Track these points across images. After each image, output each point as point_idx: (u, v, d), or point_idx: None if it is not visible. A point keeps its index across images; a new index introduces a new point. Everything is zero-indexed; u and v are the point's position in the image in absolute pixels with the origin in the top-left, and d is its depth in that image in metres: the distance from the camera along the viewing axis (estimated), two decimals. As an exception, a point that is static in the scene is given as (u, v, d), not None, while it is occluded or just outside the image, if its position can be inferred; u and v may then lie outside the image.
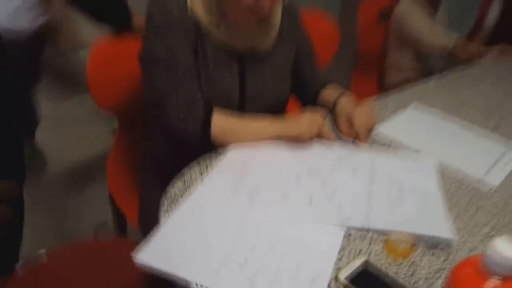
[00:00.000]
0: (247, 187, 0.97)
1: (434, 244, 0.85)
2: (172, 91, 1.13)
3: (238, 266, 0.77)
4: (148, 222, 1.25)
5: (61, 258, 1.24)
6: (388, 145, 1.23)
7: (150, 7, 1.17)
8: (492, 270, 0.54)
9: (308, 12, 1.47)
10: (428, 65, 2.36)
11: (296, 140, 1.14)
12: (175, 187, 0.97)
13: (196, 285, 0.73)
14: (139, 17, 1.58)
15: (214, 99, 1.21)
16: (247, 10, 1.11)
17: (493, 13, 2.64)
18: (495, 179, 1.13)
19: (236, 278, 0.74)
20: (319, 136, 1.15)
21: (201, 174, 1.01)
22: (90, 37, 1.82)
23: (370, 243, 0.86)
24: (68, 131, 2.63)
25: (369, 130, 1.22)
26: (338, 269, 0.78)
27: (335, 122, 1.26)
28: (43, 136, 2.36)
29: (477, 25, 2.68)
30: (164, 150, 1.31)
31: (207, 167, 1.03)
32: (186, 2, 1.16)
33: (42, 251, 1.24)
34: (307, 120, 1.17)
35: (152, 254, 0.79)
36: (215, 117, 1.16)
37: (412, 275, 0.79)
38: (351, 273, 0.78)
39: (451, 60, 2.23)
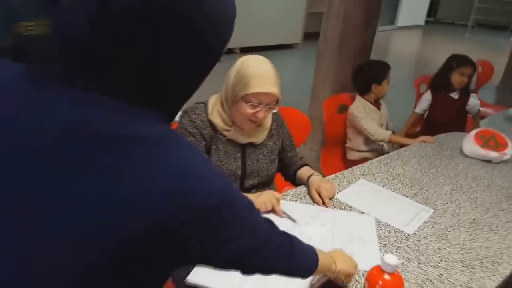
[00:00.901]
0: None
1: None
2: None
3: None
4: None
5: None
6: (343, 208, 1.72)
7: (181, 116, 1.67)
8: (385, 269, 1.04)
9: (287, 110, 1.98)
10: (377, 147, 2.79)
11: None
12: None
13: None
14: None
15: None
16: (248, 120, 1.62)
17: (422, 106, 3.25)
18: (411, 229, 1.62)
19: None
20: (273, 208, 1.59)
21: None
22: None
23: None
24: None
25: (331, 198, 1.73)
26: (311, 285, 1.28)
27: (308, 192, 1.78)
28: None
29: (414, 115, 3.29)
30: None
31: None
32: (207, 115, 1.66)
33: None
34: (264, 197, 1.59)
35: (197, 276, 1.27)
36: None
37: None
38: (317, 285, 1.28)
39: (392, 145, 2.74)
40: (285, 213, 1.60)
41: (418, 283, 1.34)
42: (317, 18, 8.13)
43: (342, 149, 2.93)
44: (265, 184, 1.81)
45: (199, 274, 1.28)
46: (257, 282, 1.25)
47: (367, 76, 2.73)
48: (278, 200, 1.61)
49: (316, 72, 3.52)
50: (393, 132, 2.68)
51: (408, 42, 10.77)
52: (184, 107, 1.68)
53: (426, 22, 12.63)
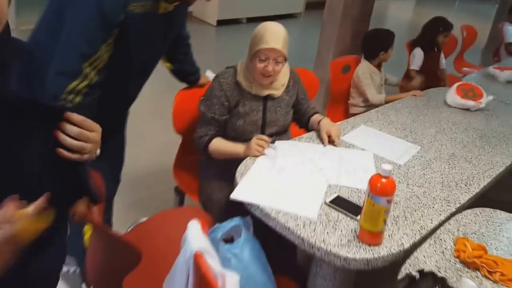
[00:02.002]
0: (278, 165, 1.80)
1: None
2: (200, 127, 1.95)
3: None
4: (206, 197, 2.01)
5: (157, 221, 1.84)
6: (348, 146, 2.05)
7: (214, 78, 1.97)
8: (382, 174, 1.35)
9: (299, 70, 2.26)
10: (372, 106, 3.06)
11: (249, 155, 1.82)
12: (238, 169, 1.75)
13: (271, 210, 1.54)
14: (202, 77, 2.27)
15: (249, 124, 1.96)
16: (260, 74, 1.87)
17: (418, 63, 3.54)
18: (402, 161, 1.95)
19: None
20: (259, 151, 1.81)
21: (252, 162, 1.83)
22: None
23: (339, 189, 1.70)
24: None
25: (339, 137, 2.04)
26: (325, 198, 1.62)
27: (319, 133, 2.08)
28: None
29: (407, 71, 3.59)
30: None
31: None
32: (236, 76, 1.94)
33: (144, 219, 1.88)
34: (251, 145, 1.81)
35: (240, 193, 1.60)
36: (213, 141, 1.90)
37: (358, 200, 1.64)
38: (330, 200, 1.61)
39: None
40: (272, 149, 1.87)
41: (407, 198, 1.68)
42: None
43: (345, 105, 3.22)
44: (282, 132, 2.10)
45: (243, 191, 1.61)
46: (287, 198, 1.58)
47: (377, 43, 3.02)
48: (265, 140, 1.85)
49: (320, 37, 3.81)
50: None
51: (402, 10, 10.94)
52: (218, 71, 1.94)
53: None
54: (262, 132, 2.02)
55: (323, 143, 2.01)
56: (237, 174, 1.72)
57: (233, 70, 1.97)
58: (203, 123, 1.96)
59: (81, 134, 0.90)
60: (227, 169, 1.83)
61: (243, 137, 1.95)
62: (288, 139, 2.09)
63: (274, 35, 1.83)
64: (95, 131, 0.94)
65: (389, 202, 1.32)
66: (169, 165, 2.28)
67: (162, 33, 1.72)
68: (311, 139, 2.08)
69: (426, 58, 3.53)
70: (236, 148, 1.89)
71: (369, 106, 2.99)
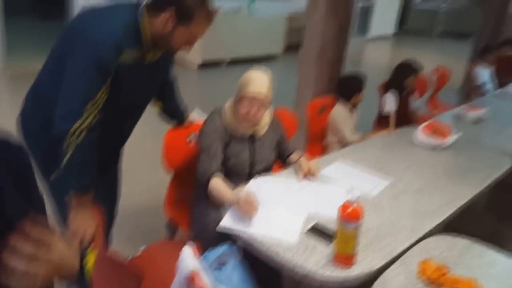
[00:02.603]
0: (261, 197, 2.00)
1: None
2: (202, 164, 2.06)
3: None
4: (199, 227, 2.17)
5: (154, 250, 2.02)
6: (324, 180, 2.24)
7: (205, 121, 2.16)
8: (351, 202, 1.57)
9: (280, 110, 2.50)
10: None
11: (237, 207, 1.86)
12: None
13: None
14: (190, 115, 2.42)
15: (239, 164, 2.15)
16: (245, 117, 2.08)
17: (390, 106, 3.83)
18: (374, 192, 2.17)
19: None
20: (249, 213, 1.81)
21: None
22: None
23: (317, 219, 1.91)
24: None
25: (316, 172, 2.25)
26: (303, 227, 1.82)
27: (297, 169, 2.27)
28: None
29: (379, 113, 3.87)
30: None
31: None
32: (223, 119, 2.13)
33: (143, 247, 2.04)
34: (242, 203, 1.82)
35: (228, 223, 1.80)
36: (215, 179, 2.00)
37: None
38: (309, 228, 1.81)
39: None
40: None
41: (378, 225, 1.89)
42: (295, 32, 8.78)
43: (322, 143, 3.45)
44: (268, 169, 2.31)
45: (229, 220, 1.81)
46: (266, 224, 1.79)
47: (349, 88, 3.31)
48: (252, 204, 1.85)
49: (298, 80, 4.10)
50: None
51: (379, 51, 11.47)
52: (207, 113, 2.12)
53: (396, 32, 13.34)
54: (251, 171, 2.22)
55: (301, 177, 2.23)
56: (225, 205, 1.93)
57: (219, 114, 2.17)
58: (206, 157, 2.07)
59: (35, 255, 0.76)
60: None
61: (235, 176, 2.15)
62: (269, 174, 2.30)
63: (260, 81, 2.06)
64: (58, 246, 0.81)
65: (357, 227, 1.54)
66: (160, 200, 2.45)
67: (151, 78, 1.96)
68: (291, 174, 2.29)
69: (398, 100, 3.83)
70: (228, 198, 1.94)
71: (345, 144, 3.21)
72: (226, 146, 2.15)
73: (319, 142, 3.47)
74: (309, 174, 2.23)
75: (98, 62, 1.62)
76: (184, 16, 1.70)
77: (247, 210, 1.81)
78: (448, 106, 4.92)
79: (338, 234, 1.56)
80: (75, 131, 1.63)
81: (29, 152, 1.01)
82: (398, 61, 3.93)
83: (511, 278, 1.63)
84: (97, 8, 1.75)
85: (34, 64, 2.56)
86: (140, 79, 1.87)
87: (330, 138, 3.37)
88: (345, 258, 1.59)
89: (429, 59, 9.48)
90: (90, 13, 1.75)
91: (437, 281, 1.54)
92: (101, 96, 1.67)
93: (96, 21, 1.69)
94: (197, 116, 2.48)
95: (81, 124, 1.64)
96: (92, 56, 1.61)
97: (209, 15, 1.77)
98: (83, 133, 1.65)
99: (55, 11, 8.60)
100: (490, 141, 3.05)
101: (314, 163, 2.29)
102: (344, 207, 1.54)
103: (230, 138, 2.15)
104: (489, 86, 5.23)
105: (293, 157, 2.37)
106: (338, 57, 3.91)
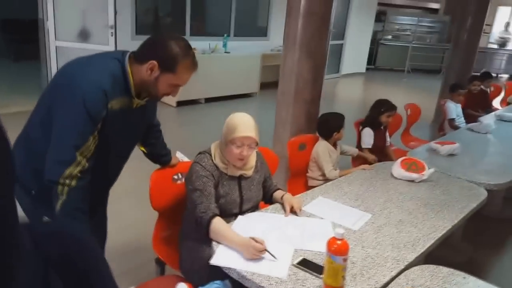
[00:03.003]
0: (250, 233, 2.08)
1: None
2: (200, 204, 2.09)
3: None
4: (189, 263, 2.23)
5: None
6: (308, 215, 2.35)
7: (194, 163, 2.22)
8: (336, 237, 1.67)
9: (262, 149, 2.60)
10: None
11: (246, 257, 1.87)
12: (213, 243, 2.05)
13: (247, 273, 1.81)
14: (173, 157, 2.51)
15: (229, 203, 2.23)
16: (236, 158, 2.18)
17: (369, 141, 3.99)
18: (357, 226, 2.27)
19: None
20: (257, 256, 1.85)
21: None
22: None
23: (304, 253, 1.99)
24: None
25: (300, 208, 2.36)
26: (292, 261, 1.90)
27: (282, 206, 2.39)
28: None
29: (358, 146, 4.03)
30: (194, 226, 2.15)
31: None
32: (213, 159, 2.22)
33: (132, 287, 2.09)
34: (249, 250, 1.86)
35: (219, 259, 1.87)
36: (215, 221, 2.02)
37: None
38: (297, 262, 1.90)
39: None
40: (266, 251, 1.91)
41: (362, 258, 1.98)
42: (271, 70, 9.04)
43: (303, 178, 3.57)
44: (255, 207, 2.40)
45: (220, 256, 1.88)
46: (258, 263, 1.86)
47: (329, 126, 3.46)
48: (259, 249, 1.88)
49: (276, 119, 4.23)
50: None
51: (351, 87, 11.82)
52: (195, 157, 2.21)
53: (367, 69, 13.78)
54: (240, 209, 2.30)
55: (286, 213, 2.31)
56: (214, 242, 1.99)
57: (208, 154, 2.26)
58: (203, 197, 2.11)
59: None
60: (206, 239, 2.06)
61: (225, 214, 2.20)
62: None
63: (247, 124, 2.17)
64: None
65: (345, 260, 1.63)
66: (148, 239, 2.49)
67: (136, 123, 2.04)
68: (276, 210, 2.38)
69: (374, 136, 4.00)
70: (234, 240, 1.97)
71: (326, 179, 3.34)
72: (215, 186, 2.22)
73: (301, 178, 3.58)
74: (292, 210, 2.33)
75: (86, 112, 1.69)
76: (168, 65, 1.80)
77: (254, 255, 1.86)
78: (421, 141, 5.12)
79: (327, 266, 1.65)
80: (67, 176, 1.70)
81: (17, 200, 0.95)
82: (371, 96, 4.13)
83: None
84: (83, 58, 1.83)
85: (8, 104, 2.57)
86: (127, 124, 1.94)
87: (313, 173, 3.49)
88: (334, 290, 1.67)
89: (401, 94, 9.88)
90: (77, 64, 1.82)
91: (422, 309, 1.63)
92: (90, 144, 1.75)
93: (83, 71, 1.77)
94: (180, 158, 2.56)
95: (73, 170, 1.70)
96: (81, 107, 1.69)
97: (192, 63, 1.87)
98: (75, 179, 1.71)
99: (29, 52, 8.68)
100: (465, 173, 3.20)
101: (297, 200, 2.39)
102: (331, 242, 1.63)
103: (220, 179, 2.23)
104: (460, 120, 5.48)
105: (277, 194, 2.47)
106: (314, 96, 4.06)
